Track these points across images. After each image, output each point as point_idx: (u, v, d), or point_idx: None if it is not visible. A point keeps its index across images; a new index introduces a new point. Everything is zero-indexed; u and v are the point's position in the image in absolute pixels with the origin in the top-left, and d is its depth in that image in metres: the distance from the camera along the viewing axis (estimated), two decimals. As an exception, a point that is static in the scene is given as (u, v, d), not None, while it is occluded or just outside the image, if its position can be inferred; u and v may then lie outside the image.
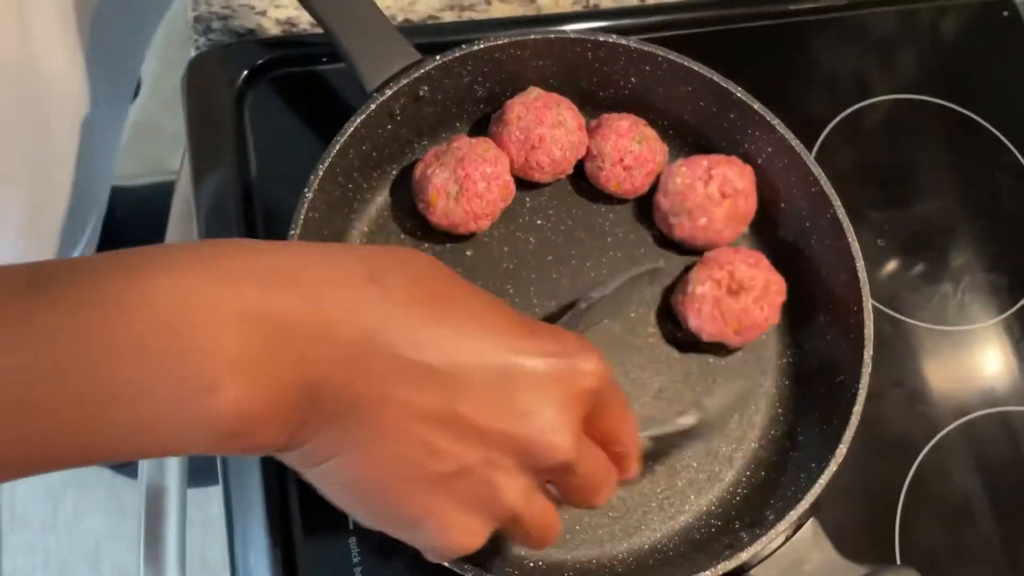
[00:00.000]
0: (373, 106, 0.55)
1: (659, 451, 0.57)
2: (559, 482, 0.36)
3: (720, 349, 0.59)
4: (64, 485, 1.38)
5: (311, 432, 0.31)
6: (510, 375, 0.31)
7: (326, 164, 0.53)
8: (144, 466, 0.61)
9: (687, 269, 0.59)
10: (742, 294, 0.55)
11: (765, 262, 0.57)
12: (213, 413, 0.28)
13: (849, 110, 0.71)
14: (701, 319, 0.56)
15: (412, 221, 0.60)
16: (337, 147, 0.54)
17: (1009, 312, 0.66)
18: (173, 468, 0.61)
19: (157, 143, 1.58)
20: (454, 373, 0.30)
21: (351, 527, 0.54)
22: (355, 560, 0.53)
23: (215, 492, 0.54)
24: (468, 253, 0.60)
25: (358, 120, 0.54)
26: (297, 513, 0.54)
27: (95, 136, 0.63)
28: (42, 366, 0.26)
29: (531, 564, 0.53)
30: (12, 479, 0.29)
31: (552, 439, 0.31)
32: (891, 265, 0.67)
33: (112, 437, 0.28)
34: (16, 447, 0.27)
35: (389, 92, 0.55)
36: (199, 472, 0.61)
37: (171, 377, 0.27)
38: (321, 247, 0.32)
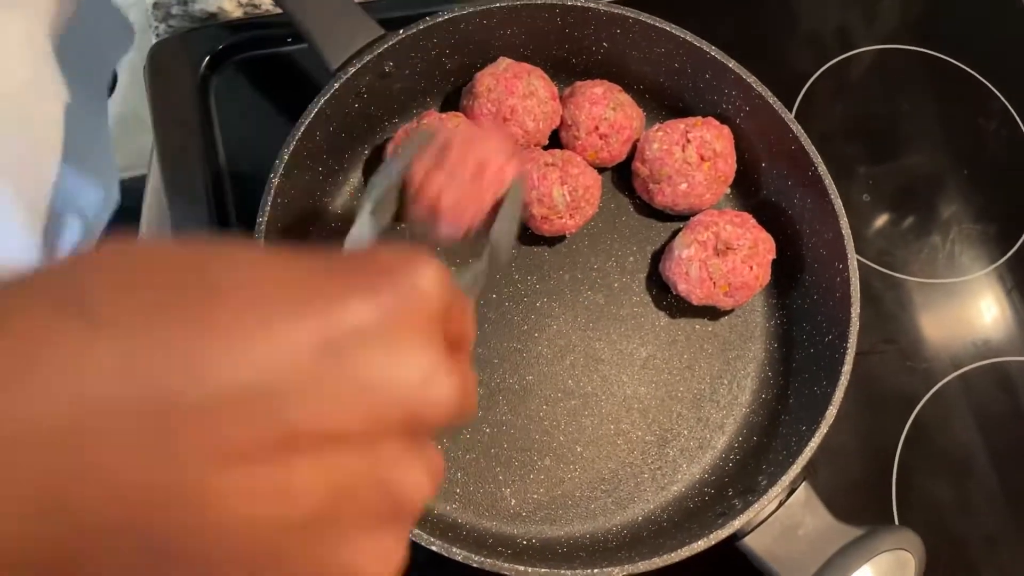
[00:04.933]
0: (337, 85, 0.53)
1: (649, 421, 0.56)
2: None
3: (710, 313, 0.58)
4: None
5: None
6: (338, 346, 0.22)
7: (291, 148, 0.52)
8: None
9: (674, 235, 0.58)
10: (729, 254, 0.54)
11: (751, 221, 0.56)
12: None
13: (830, 63, 0.69)
14: (689, 282, 0.55)
15: (386, 201, 0.58)
16: (302, 130, 0.52)
17: (1000, 262, 0.65)
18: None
19: (139, 135, 1.56)
20: (265, 383, 0.20)
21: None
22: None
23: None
24: (445, 231, 0.59)
25: (322, 100, 0.53)
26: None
27: (75, 129, 0.61)
28: None
29: (523, 542, 0.52)
30: None
31: (433, 393, 0.23)
32: (878, 220, 0.65)
33: None
34: None
35: (353, 70, 0.53)
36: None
37: None
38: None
